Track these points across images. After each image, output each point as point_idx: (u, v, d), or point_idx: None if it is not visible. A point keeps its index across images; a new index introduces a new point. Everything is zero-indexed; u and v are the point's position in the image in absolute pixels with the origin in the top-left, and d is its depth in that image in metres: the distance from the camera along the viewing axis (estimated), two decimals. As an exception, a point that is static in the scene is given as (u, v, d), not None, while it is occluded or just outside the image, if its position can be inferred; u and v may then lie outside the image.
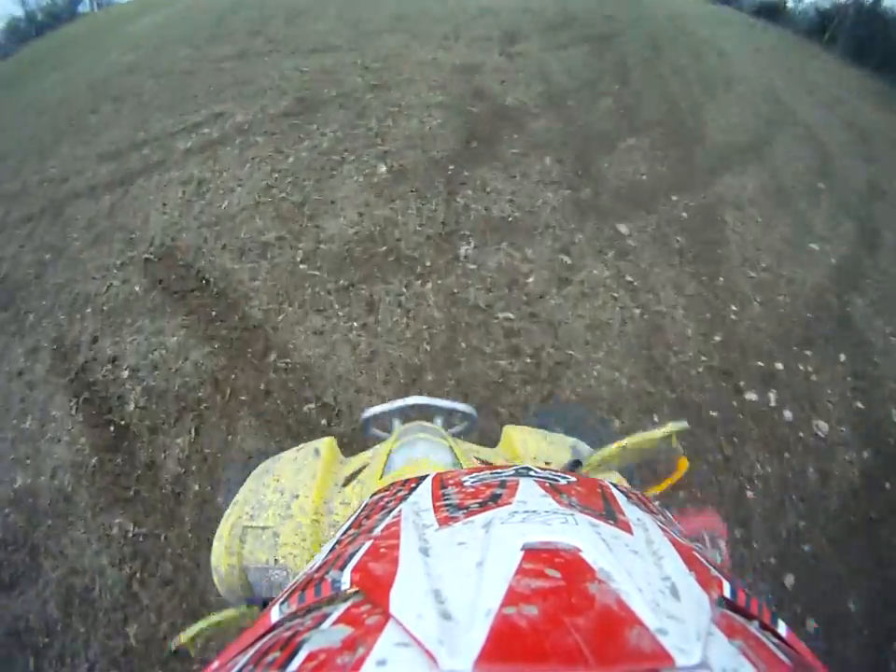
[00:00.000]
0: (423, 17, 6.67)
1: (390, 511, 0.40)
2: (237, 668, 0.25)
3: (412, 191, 3.29)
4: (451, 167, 3.53)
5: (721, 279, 3.28)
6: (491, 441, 0.99)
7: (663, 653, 0.21)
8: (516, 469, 0.45)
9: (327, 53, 5.68)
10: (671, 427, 0.74)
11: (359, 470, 0.83)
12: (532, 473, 0.45)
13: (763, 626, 0.29)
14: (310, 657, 0.22)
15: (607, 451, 0.76)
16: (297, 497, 0.76)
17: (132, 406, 2.58)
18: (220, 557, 0.72)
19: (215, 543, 0.75)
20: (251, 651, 0.26)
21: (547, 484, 0.40)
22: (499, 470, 0.45)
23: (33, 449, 2.53)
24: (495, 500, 0.37)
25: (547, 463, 0.83)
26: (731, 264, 3.40)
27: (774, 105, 6.15)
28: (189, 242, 3.21)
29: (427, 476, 0.47)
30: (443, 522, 0.34)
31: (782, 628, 0.29)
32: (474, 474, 0.45)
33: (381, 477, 0.76)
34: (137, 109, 5.03)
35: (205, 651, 0.72)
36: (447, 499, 0.39)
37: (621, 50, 6.37)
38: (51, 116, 5.55)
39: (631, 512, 0.37)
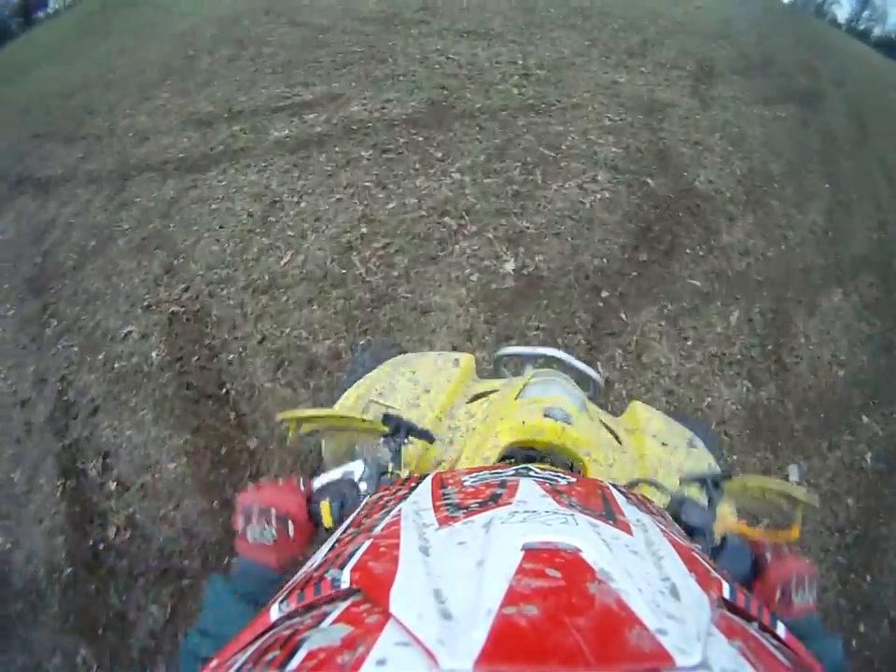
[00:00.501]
0: (607, 20, 5.02)
1: (390, 511, 0.36)
2: (236, 667, 0.23)
3: (538, 328, 2.04)
4: (604, 293, 2.22)
5: (869, 578, 1.86)
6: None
7: (663, 653, 0.20)
8: (516, 470, 0.43)
9: (484, 41, 4.29)
10: (803, 495, 0.59)
11: (488, 392, 0.83)
12: (532, 474, 0.41)
13: (763, 628, 0.28)
14: (309, 656, 0.21)
15: (738, 482, 0.62)
16: (429, 392, 0.78)
17: (112, 534, 1.82)
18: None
19: (340, 401, 0.79)
20: (250, 650, 0.24)
21: (547, 485, 0.38)
22: (499, 470, 0.43)
23: (15, 511, 1.97)
24: (495, 500, 0.34)
25: (664, 444, 0.82)
26: (886, 556, 1.95)
27: None
28: (227, 311, 2.17)
29: (427, 475, 0.43)
30: (443, 521, 0.32)
31: (781, 629, 0.28)
32: (474, 474, 0.42)
33: (515, 398, 0.74)
34: (252, 63, 3.94)
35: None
36: (447, 499, 0.36)
37: (825, 121, 4.51)
38: (170, 48, 4.56)
39: (631, 513, 0.35)
